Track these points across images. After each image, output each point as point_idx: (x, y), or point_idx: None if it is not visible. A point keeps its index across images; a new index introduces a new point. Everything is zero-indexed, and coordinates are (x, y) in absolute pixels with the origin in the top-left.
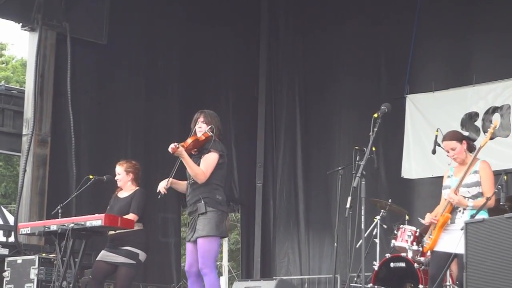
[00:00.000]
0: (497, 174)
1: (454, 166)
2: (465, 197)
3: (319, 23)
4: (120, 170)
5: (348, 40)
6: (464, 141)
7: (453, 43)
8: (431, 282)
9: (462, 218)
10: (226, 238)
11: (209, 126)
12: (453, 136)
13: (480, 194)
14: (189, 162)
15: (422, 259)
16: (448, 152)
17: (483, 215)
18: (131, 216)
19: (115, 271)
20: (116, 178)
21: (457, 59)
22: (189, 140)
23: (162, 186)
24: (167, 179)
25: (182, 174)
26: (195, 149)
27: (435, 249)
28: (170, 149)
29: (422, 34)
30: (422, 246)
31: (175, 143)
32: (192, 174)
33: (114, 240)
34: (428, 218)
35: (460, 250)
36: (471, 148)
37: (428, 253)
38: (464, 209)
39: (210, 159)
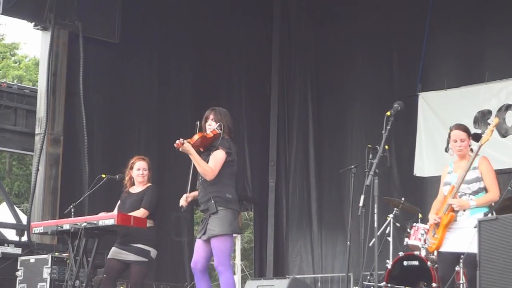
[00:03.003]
0: (509, 172)
1: (453, 161)
2: (465, 193)
3: (331, 21)
4: (146, 166)
5: (360, 38)
6: (470, 137)
7: (465, 41)
8: (443, 283)
9: (463, 216)
10: (239, 237)
11: (218, 124)
12: (465, 127)
13: (481, 190)
14: (197, 158)
15: (435, 257)
16: (456, 141)
17: (483, 211)
18: (141, 211)
19: (127, 269)
20: (140, 174)
21: (470, 56)
22: (196, 137)
23: (183, 200)
24: (186, 194)
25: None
26: (203, 146)
27: (441, 250)
28: (175, 145)
29: (435, 31)
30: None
31: (181, 139)
32: (200, 170)
33: (125, 236)
34: (432, 219)
35: (468, 249)
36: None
37: (435, 253)
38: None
39: (219, 157)
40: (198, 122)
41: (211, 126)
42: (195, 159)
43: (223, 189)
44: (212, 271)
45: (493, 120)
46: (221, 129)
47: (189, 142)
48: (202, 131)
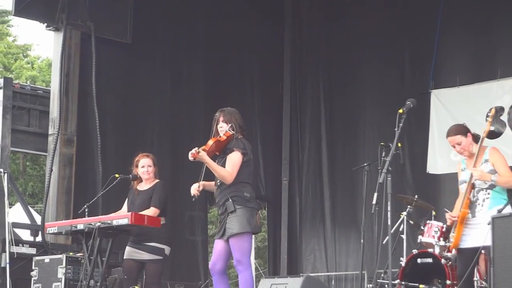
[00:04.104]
0: None
1: (463, 158)
2: (482, 188)
3: (342, 18)
4: (150, 162)
5: (372, 36)
6: (468, 134)
7: (477, 37)
8: (460, 280)
9: (481, 211)
10: (253, 236)
11: (229, 125)
12: (456, 130)
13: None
14: (213, 165)
15: (449, 254)
16: (454, 147)
17: (502, 203)
18: (152, 210)
19: (143, 267)
20: (145, 171)
21: (482, 53)
22: (210, 142)
23: (194, 189)
24: (198, 183)
25: (210, 174)
26: (218, 150)
27: (461, 246)
28: (190, 156)
29: (446, 28)
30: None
31: (195, 148)
32: (219, 176)
33: (138, 236)
34: (447, 218)
35: (487, 243)
36: (477, 139)
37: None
38: (483, 200)
39: (235, 159)
40: (216, 115)
41: (223, 128)
42: (212, 166)
43: (241, 188)
44: (228, 269)
45: (491, 111)
46: (233, 130)
47: (204, 150)
48: (215, 136)
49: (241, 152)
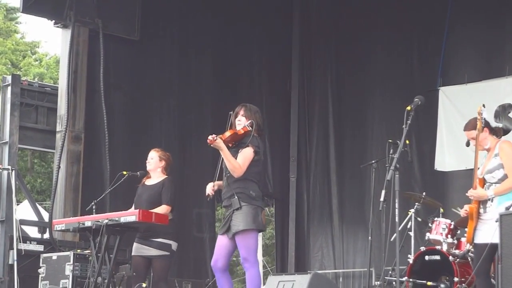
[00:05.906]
0: None
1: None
2: (491, 182)
3: (351, 16)
4: (154, 155)
5: (381, 33)
6: (484, 128)
7: (485, 35)
8: (477, 275)
9: (492, 206)
10: (261, 233)
11: (249, 121)
12: (471, 125)
13: (506, 177)
14: (227, 155)
15: (457, 251)
16: (470, 141)
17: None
18: (164, 207)
19: (151, 264)
20: (147, 162)
21: (490, 50)
22: (227, 133)
23: (209, 188)
24: (212, 182)
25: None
26: (233, 143)
27: (475, 241)
28: (208, 141)
29: (455, 26)
30: (458, 239)
31: (213, 135)
32: (230, 167)
33: (146, 231)
34: (462, 211)
35: (494, 240)
36: (495, 132)
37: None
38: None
39: (248, 154)
40: (231, 113)
41: (241, 122)
42: (226, 155)
43: (247, 186)
44: (233, 267)
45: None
46: (252, 127)
47: (220, 138)
48: (232, 128)
49: (254, 150)
